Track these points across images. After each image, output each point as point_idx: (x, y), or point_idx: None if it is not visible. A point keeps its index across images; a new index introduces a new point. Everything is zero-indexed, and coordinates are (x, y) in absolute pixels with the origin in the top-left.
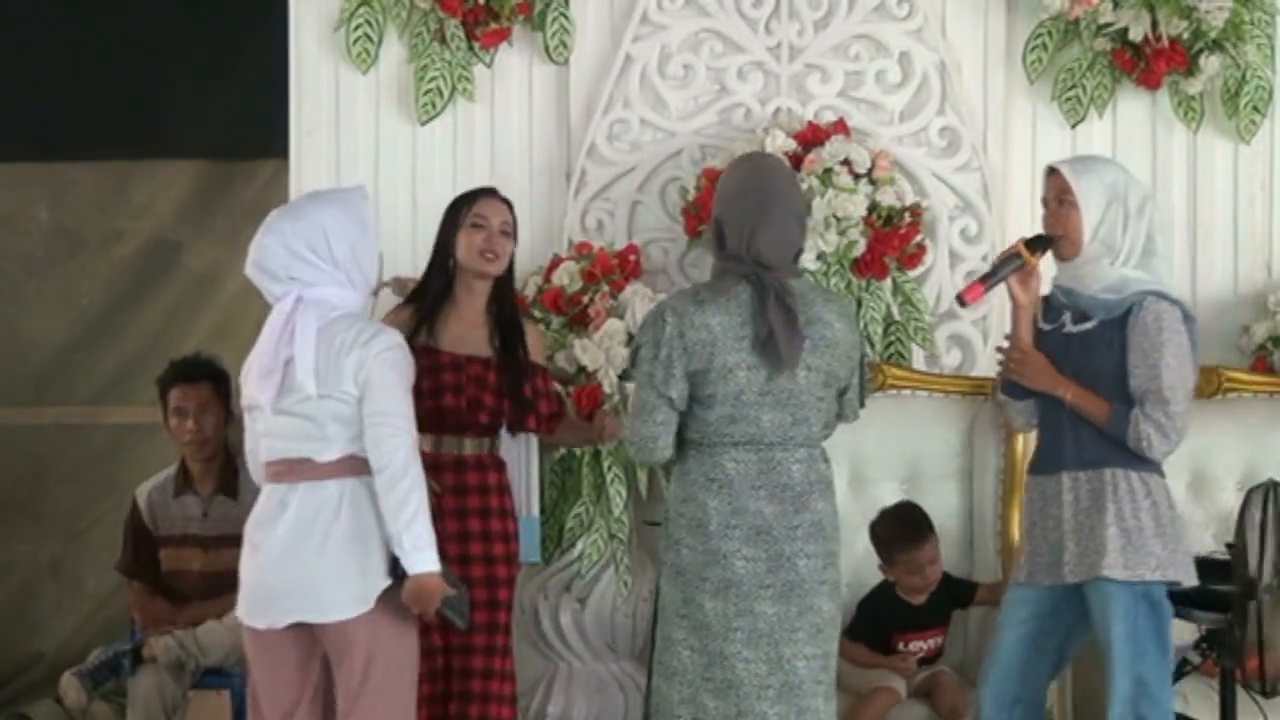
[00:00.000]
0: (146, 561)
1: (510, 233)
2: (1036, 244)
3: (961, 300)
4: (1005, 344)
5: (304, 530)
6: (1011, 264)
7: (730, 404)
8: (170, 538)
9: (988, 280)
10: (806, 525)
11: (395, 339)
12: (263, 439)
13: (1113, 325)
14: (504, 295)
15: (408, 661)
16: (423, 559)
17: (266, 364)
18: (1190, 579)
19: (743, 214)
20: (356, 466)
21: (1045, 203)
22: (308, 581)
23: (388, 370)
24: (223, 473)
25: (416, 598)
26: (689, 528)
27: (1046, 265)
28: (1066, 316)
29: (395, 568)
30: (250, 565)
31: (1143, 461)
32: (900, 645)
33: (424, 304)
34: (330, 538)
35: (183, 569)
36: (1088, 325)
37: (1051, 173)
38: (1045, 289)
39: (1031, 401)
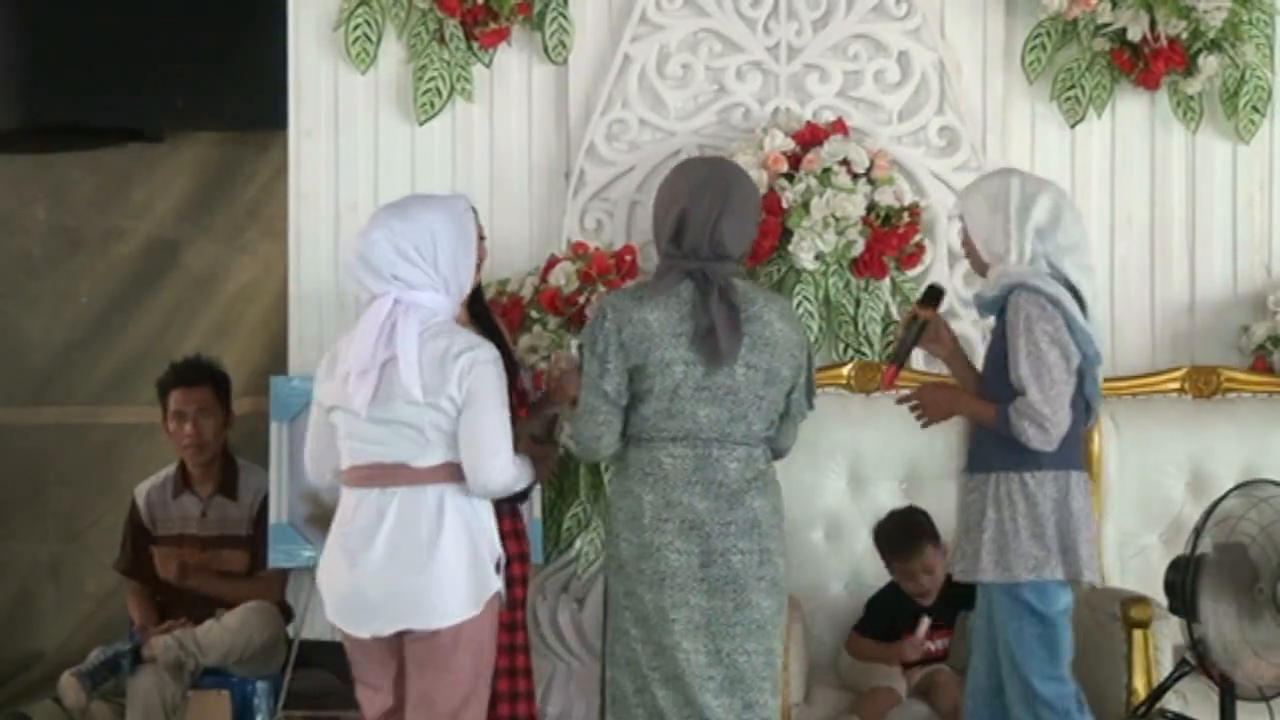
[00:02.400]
0: (145, 561)
1: None
2: (927, 297)
3: (886, 386)
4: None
5: (408, 537)
6: (913, 329)
7: (667, 399)
8: (168, 537)
9: (898, 358)
10: (740, 522)
11: (494, 352)
12: (347, 441)
13: (999, 324)
14: (475, 295)
15: (493, 659)
16: (531, 475)
17: (364, 365)
18: (1087, 575)
19: (708, 203)
20: (455, 473)
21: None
22: (416, 588)
23: (489, 382)
24: (222, 473)
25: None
26: (626, 521)
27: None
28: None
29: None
30: (345, 571)
31: (1030, 462)
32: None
33: None
34: (437, 544)
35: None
36: (992, 325)
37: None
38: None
39: None
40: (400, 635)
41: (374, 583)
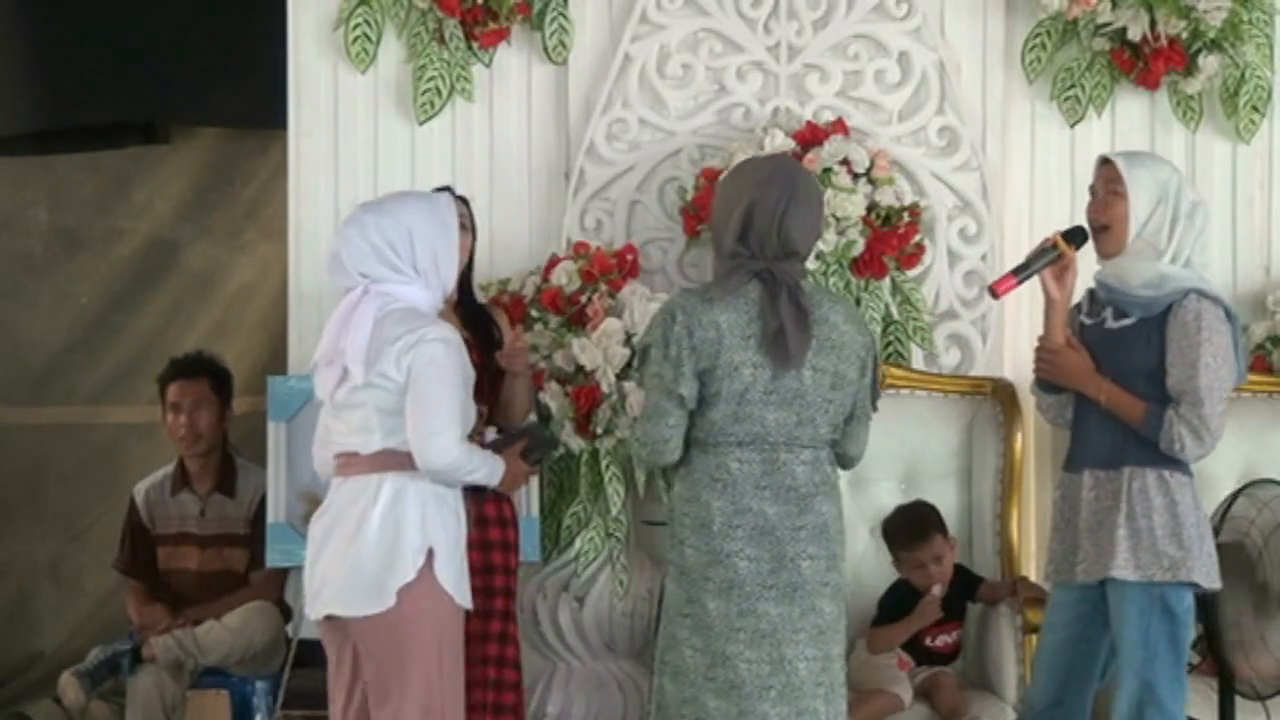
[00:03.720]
0: (144, 560)
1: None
2: (1073, 236)
3: (993, 292)
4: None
5: (339, 525)
6: (1046, 256)
7: (735, 402)
8: (167, 536)
9: (1020, 272)
10: (810, 527)
11: (445, 332)
12: (330, 434)
13: (1151, 322)
14: (463, 285)
15: (441, 669)
16: (491, 473)
17: (328, 353)
18: (1212, 583)
19: (775, 196)
20: (395, 460)
21: (1092, 190)
22: (337, 576)
23: (434, 361)
24: (221, 471)
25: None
26: (693, 527)
27: (1086, 259)
28: (1108, 312)
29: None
30: (306, 557)
31: (1165, 461)
32: (928, 641)
33: None
34: (359, 532)
35: (179, 568)
36: (1127, 321)
37: (1105, 162)
38: (1088, 283)
39: (1065, 396)
40: (341, 625)
41: (311, 568)
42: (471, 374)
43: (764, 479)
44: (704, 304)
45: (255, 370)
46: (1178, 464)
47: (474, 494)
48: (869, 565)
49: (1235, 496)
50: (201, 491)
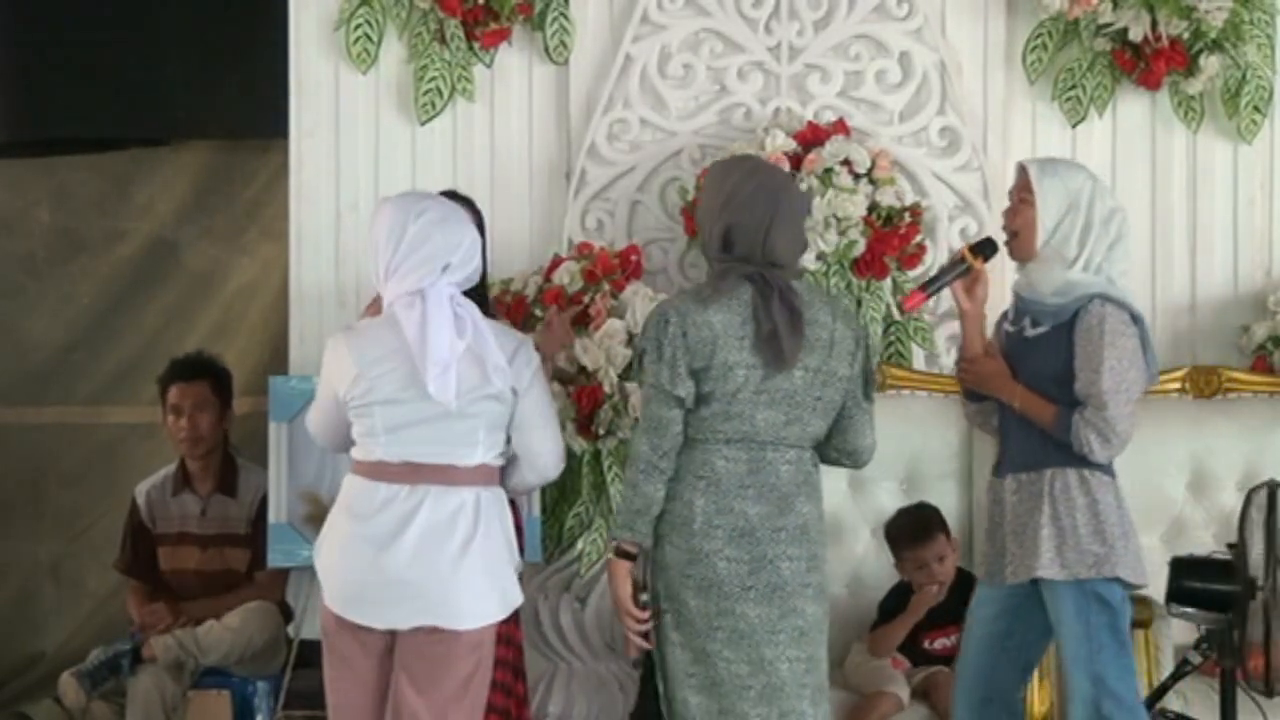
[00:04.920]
0: (145, 560)
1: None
2: (981, 248)
3: (901, 307)
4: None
5: (439, 535)
6: (955, 269)
7: (726, 401)
8: (168, 536)
9: (929, 287)
10: (791, 528)
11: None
12: (385, 436)
13: (1061, 329)
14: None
15: (490, 665)
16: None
17: (444, 358)
18: (1139, 578)
19: (757, 217)
20: (489, 475)
21: (1010, 195)
22: (446, 587)
23: (540, 372)
24: (222, 472)
25: None
26: (674, 525)
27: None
28: (1027, 320)
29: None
30: (367, 562)
31: (1086, 461)
32: (927, 644)
33: None
34: (470, 546)
35: (180, 568)
36: (1043, 329)
37: (1021, 169)
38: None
39: (989, 403)
40: (395, 633)
41: (401, 576)
42: None
43: (749, 477)
44: (698, 304)
45: (256, 371)
46: (1097, 464)
47: None
48: (869, 566)
49: (1249, 499)
50: (203, 492)
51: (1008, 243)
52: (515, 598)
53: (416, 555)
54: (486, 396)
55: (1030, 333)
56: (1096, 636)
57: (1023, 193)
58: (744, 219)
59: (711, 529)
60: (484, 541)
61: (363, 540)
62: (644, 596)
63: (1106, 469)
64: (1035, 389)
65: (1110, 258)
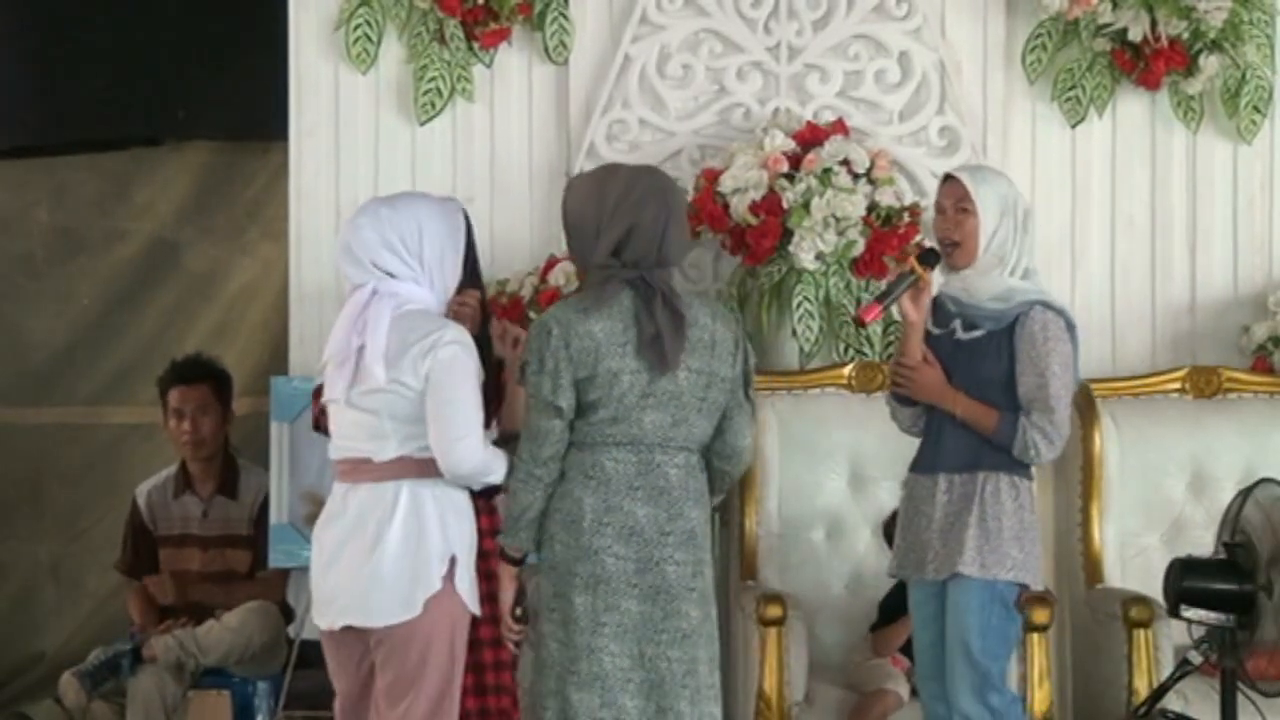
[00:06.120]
0: (146, 561)
1: None
2: (927, 258)
3: (859, 321)
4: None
5: (357, 533)
6: (906, 281)
7: (613, 407)
8: (169, 537)
9: (884, 299)
10: (679, 533)
11: (460, 334)
12: (336, 430)
13: (1001, 334)
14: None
15: (452, 668)
16: (498, 465)
17: (340, 353)
18: (1037, 584)
19: (653, 218)
20: (412, 468)
21: (940, 208)
22: (357, 586)
23: (453, 363)
24: (223, 473)
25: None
26: (563, 524)
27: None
28: (957, 323)
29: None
30: (314, 564)
31: (1016, 466)
32: None
33: None
34: (380, 542)
35: (181, 569)
36: (976, 333)
37: (949, 179)
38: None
39: (919, 408)
40: (358, 634)
41: (325, 577)
42: (482, 375)
43: (637, 479)
44: (579, 315)
45: (256, 371)
46: (1025, 469)
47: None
48: (869, 566)
49: (1245, 497)
50: (204, 494)
51: (948, 252)
52: (432, 593)
53: (335, 554)
54: (372, 390)
55: (963, 336)
56: (993, 634)
57: (963, 202)
58: (642, 220)
59: (601, 526)
60: (401, 536)
61: (317, 540)
62: (517, 611)
63: (1030, 474)
64: (974, 393)
65: (1028, 256)
